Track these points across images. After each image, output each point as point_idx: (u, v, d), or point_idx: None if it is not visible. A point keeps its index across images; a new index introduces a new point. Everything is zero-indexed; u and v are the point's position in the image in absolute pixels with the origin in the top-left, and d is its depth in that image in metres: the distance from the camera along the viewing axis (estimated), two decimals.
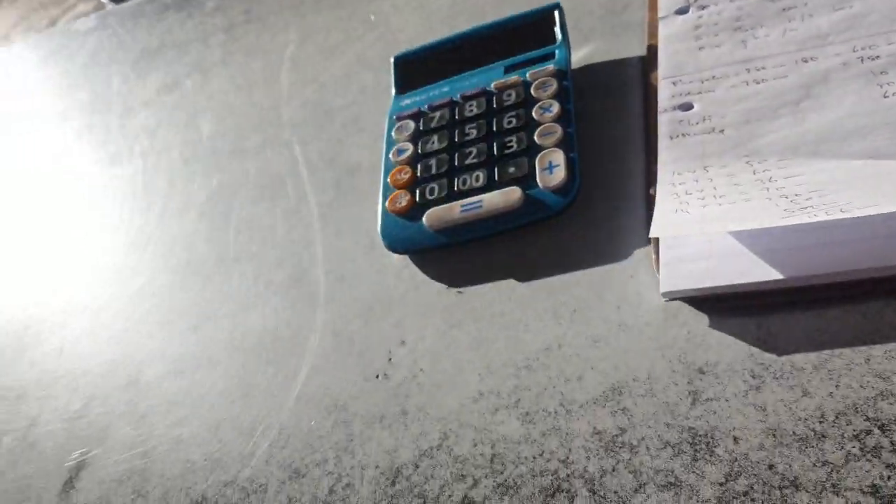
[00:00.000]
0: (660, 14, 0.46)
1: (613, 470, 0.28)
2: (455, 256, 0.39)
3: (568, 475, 0.28)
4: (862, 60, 0.36)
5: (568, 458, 0.29)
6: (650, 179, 0.38)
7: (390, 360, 0.36)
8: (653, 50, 0.45)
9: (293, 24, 0.63)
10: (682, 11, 0.45)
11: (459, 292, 0.37)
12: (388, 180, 0.43)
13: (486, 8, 0.54)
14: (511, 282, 0.37)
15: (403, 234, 0.40)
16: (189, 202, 0.52)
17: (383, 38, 0.57)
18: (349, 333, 0.39)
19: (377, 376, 0.36)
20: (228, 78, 0.61)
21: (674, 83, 0.41)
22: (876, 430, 0.25)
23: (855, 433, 0.25)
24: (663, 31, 0.45)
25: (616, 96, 0.43)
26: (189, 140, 0.57)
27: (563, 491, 0.28)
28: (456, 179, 0.41)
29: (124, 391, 0.42)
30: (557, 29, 0.45)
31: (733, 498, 0.25)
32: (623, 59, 0.45)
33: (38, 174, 0.62)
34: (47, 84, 0.73)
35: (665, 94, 0.41)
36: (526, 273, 0.36)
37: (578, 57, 0.46)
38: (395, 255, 0.41)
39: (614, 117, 0.41)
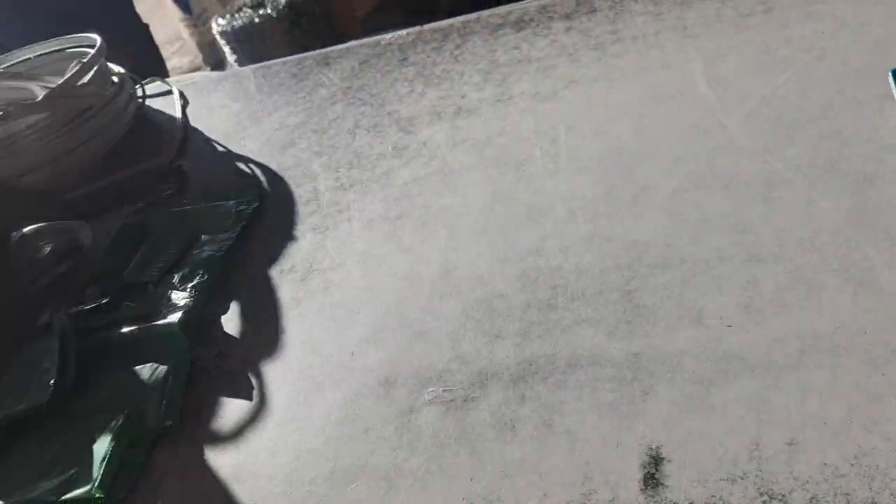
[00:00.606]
0: None
1: None
2: None
3: None
4: None
5: None
6: None
7: None
8: None
9: (686, 45, 0.62)
10: None
11: None
12: None
13: None
14: None
15: None
16: (649, 200, 0.49)
17: (823, 57, 0.56)
18: None
19: None
20: (625, 90, 0.60)
21: None
22: None
23: None
24: None
25: None
26: (610, 146, 0.55)
27: None
28: None
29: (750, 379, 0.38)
30: None
31: None
32: None
33: (430, 171, 0.60)
34: (379, 87, 0.73)
35: None
36: None
37: None
38: None
39: None
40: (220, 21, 1.90)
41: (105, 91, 0.88)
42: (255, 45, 1.90)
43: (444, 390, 0.44)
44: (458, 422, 0.42)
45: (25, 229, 0.66)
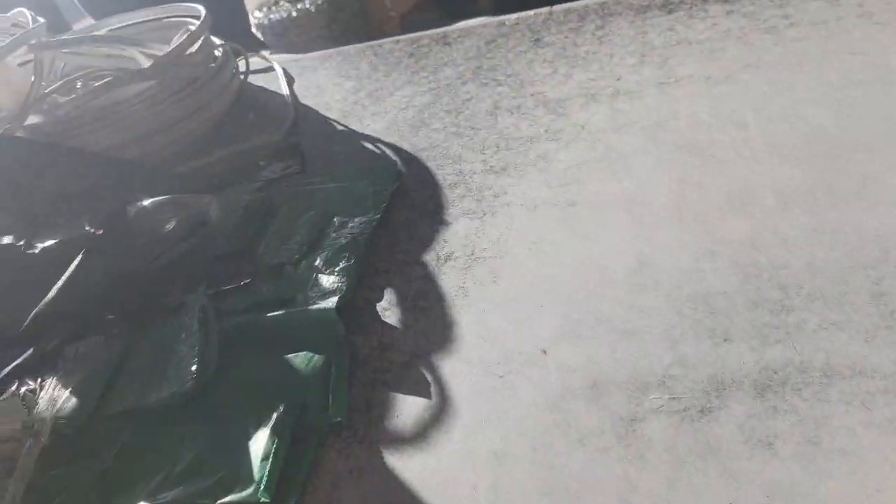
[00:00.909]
0: None
1: None
2: None
3: None
4: None
5: None
6: None
7: None
8: None
9: (876, 32, 0.56)
10: None
11: None
12: None
13: None
14: None
15: None
16: (878, 192, 0.43)
17: None
18: None
19: None
20: (813, 75, 0.55)
21: None
22: None
23: None
24: None
25: None
26: (810, 132, 0.50)
27: None
28: None
29: None
30: None
31: None
32: None
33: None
34: (514, 68, 0.68)
35: None
36: None
37: None
38: None
39: None
40: (257, 14, 1.85)
41: (210, 63, 0.83)
42: (292, 38, 1.85)
43: (671, 398, 0.39)
44: (697, 435, 0.37)
45: (146, 202, 0.62)
